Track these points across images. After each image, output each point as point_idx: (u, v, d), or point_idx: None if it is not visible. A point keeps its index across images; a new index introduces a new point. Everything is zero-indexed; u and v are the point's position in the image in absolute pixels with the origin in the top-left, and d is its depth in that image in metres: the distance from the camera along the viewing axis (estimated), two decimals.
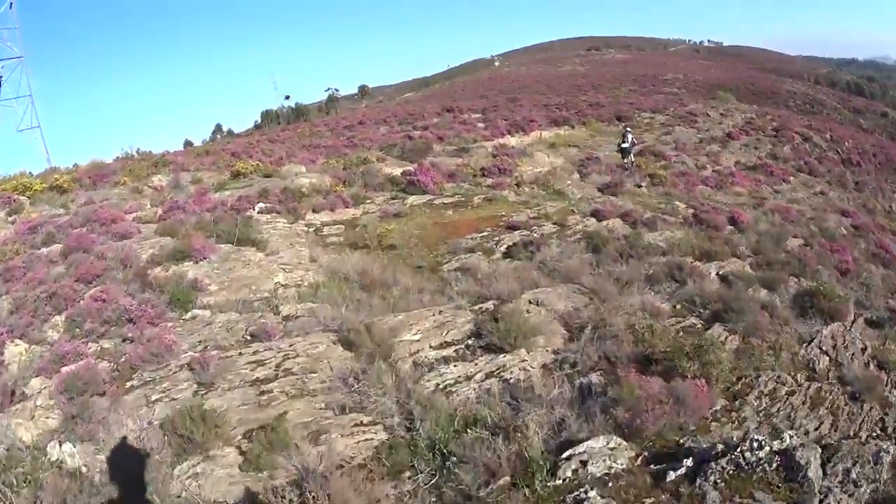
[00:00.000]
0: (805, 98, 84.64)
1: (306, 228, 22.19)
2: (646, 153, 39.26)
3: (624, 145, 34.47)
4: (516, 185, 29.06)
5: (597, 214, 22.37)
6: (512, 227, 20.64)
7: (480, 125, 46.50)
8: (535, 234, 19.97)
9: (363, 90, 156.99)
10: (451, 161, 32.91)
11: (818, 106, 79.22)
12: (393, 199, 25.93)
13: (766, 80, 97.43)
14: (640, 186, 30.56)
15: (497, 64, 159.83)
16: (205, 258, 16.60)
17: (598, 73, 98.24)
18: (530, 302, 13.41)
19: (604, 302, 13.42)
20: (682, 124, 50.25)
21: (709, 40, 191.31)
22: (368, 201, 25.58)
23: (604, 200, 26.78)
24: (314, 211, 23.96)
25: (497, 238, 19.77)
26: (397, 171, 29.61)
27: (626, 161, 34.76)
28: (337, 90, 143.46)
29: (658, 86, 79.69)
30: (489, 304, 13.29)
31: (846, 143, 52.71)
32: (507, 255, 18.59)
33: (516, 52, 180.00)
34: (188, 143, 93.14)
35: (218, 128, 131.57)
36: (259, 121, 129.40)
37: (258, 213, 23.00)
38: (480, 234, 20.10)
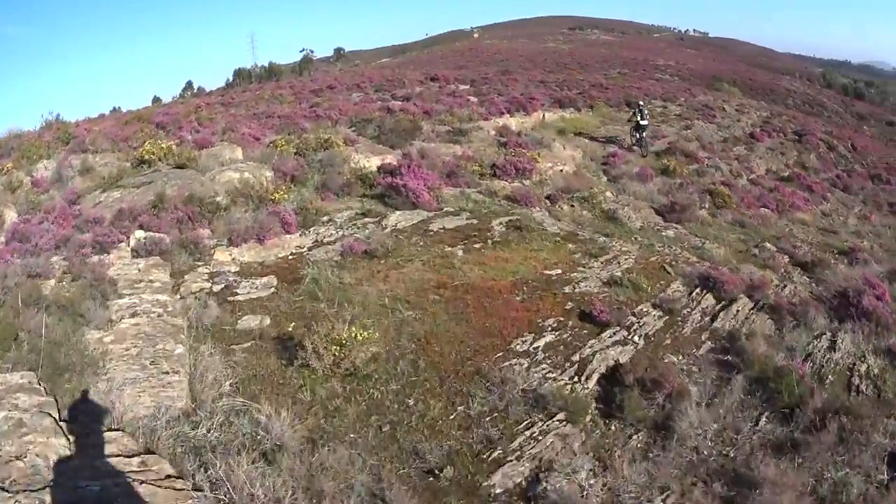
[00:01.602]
0: (805, 98, 73.50)
1: (208, 286, 11.40)
2: (676, 152, 28.95)
3: (643, 122, 28.40)
4: (548, 198, 18.36)
5: (710, 285, 11.90)
6: (589, 317, 10.09)
7: (473, 99, 35.39)
8: (637, 339, 9.82)
9: (339, 53, 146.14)
10: (447, 150, 21.97)
11: (818, 107, 68.55)
12: (364, 214, 15.18)
13: (764, 76, 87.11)
14: (702, 208, 20.43)
15: (476, 36, 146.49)
16: None
17: (585, 52, 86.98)
18: None
19: None
20: (701, 118, 39.84)
21: (694, 30, 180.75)
22: (325, 219, 14.77)
23: (677, 238, 16.69)
24: (231, 242, 13.22)
25: (572, 350, 9.25)
26: (372, 163, 18.88)
27: (640, 139, 28.56)
28: (312, 51, 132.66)
29: (649, 71, 68.99)
30: None
31: (871, 156, 42.99)
32: (609, 409, 8.30)
33: (496, 26, 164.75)
34: (156, 100, 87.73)
35: (189, 85, 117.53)
36: (231, 79, 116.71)
37: (133, 248, 12.51)
38: (539, 339, 9.42)
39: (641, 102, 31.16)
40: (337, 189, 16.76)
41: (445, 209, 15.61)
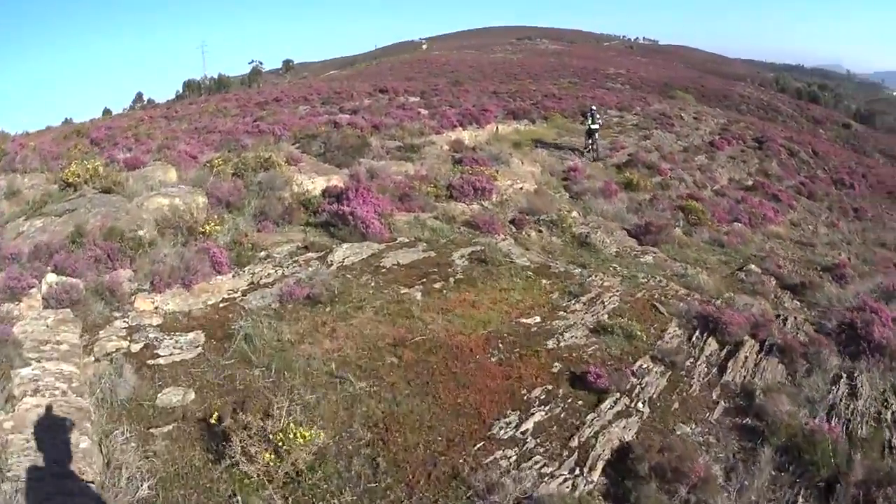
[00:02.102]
0: (759, 103, 73.11)
1: (125, 345, 9.36)
2: (637, 164, 27.93)
3: (594, 126, 28.12)
4: (511, 223, 16.69)
5: (711, 326, 10.40)
6: (582, 381, 8.41)
7: (424, 112, 33.72)
8: (641, 406, 8.25)
9: (287, 65, 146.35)
10: (398, 168, 20.16)
11: (773, 112, 68.17)
12: (307, 248, 13.26)
13: (717, 82, 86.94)
14: (677, 226, 19.05)
15: (425, 47, 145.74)
16: None
17: (534, 62, 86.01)
18: None
19: None
20: (659, 127, 38.86)
21: (644, 37, 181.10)
22: (262, 255, 12.83)
23: (657, 264, 15.14)
24: (154, 287, 11.20)
25: (569, 431, 7.55)
26: (317, 185, 17.00)
27: (591, 144, 28.64)
28: (261, 63, 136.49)
29: (600, 79, 68.14)
30: None
31: (832, 161, 42.79)
32: None
33: (444, 37, 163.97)
34: (107, 112, 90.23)
35: (139, 97, 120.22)
36: (181, 91, 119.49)
37: (44, 296, 10.43)
38: (527, 418, 7.65)
39: (594, 107, 30.79)
40: (277, 217, 14.85)
41: (399, 239, 13.84)
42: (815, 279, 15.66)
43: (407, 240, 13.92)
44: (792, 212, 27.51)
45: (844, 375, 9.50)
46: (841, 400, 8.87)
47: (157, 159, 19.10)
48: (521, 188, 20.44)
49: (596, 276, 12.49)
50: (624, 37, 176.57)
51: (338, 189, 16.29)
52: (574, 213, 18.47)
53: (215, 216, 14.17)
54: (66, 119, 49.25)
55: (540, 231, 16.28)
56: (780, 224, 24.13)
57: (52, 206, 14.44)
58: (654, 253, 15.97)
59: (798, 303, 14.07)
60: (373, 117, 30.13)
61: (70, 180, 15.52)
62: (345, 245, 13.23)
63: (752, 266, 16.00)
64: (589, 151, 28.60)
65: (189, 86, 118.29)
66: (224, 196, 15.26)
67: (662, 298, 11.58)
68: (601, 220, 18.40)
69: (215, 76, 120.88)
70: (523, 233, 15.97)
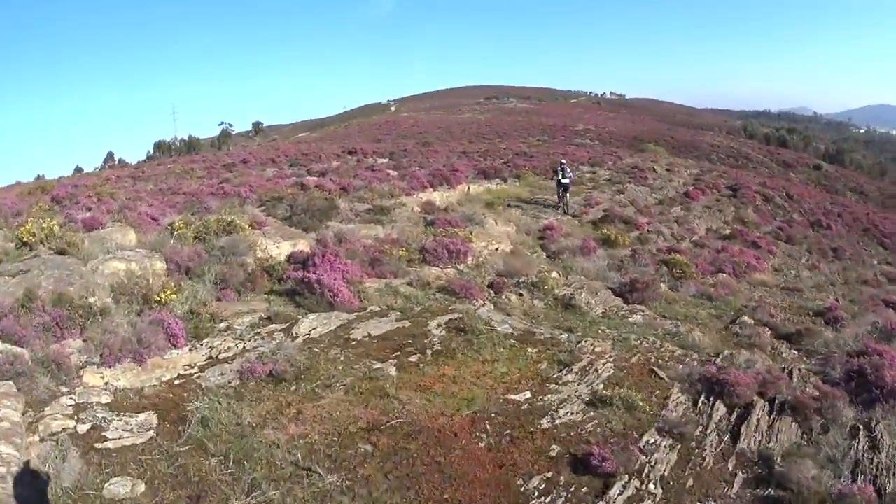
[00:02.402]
0: (729, 151, 74.81)
1: (72, 426, 8.31)
2: (614, 219, 27.66)
3: (564, 181, 28.62)
4: (490, 287, 15.83)
5: (717, 389, 9.61)
6: (584, 465, 7.46)
7: (393, 173, 33.38)
8: (653, 488, 7.45)
9: (257, 127, 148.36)
10: (368, 232, 19.37)
11: (743, 159, 69.52)
12: (270, 319, 12.31)
13: (686, 133, 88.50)
14: (662, 281, 18.57)
15: (393, 108, 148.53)
16: None
17: (502, 121, 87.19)
18: None
19: None
20: (632, 181, 38.80)
21: (611, 92, 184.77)
22: (222, 327, 11.87)
23: (647, 324, 14.38)
24: (103, 360, 10.08)
25: None
26: (282, 250, 16.20)
27: (562, 198, 29.05)
28: (231, 125, 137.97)
29: (569, 136, 68.94)
30: None
31: (807, 203, 43.15)
32: None
33: (412, 98, 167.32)
34: (78, 170, 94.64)
35: (110, 156, 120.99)
36: (152, 151, 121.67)
37: None
38: None
39: (564, 161, 30.53)
40: (239, 285, 13.87)
41: (370, 308, 12.94)
42: (809, 325, 15.44)
43: (378, 309, 13.04)
44: (773, 257, 27.44)
45: (862, 427, 8.96)
46: (863, 455, 8.35)
47: (116, 220, 18.20)
48: (497, 249, 19.65)
49: (585, 341, 11.64)
50: (591, 92, 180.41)
51: (304, 254, 15.49)
52: (554, 274, 17.64)
53: (173, 283, 13.18)
54: (39, 175, 50.64)
55: (520, 294, 15.44)
56: (764, 271, 23.90)
57: (7, 266, 13.44)
58: (643, 311, 15.23)
59: (796, 352, 13.72)
60: (341, 179, 29.68)
61: (25, 239, 14.54)
62: (311, 315, 12.29)
63: (745, 318, 15.55)
64: (562, 204, 28.62)
65: (160, 146, 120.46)
66: (184, 261, 14.31)
67: (660, 361, 10.76)
68: (583, 280, 17.61)
69: (186, 137, 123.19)
70: (503, 297, 15.10)
